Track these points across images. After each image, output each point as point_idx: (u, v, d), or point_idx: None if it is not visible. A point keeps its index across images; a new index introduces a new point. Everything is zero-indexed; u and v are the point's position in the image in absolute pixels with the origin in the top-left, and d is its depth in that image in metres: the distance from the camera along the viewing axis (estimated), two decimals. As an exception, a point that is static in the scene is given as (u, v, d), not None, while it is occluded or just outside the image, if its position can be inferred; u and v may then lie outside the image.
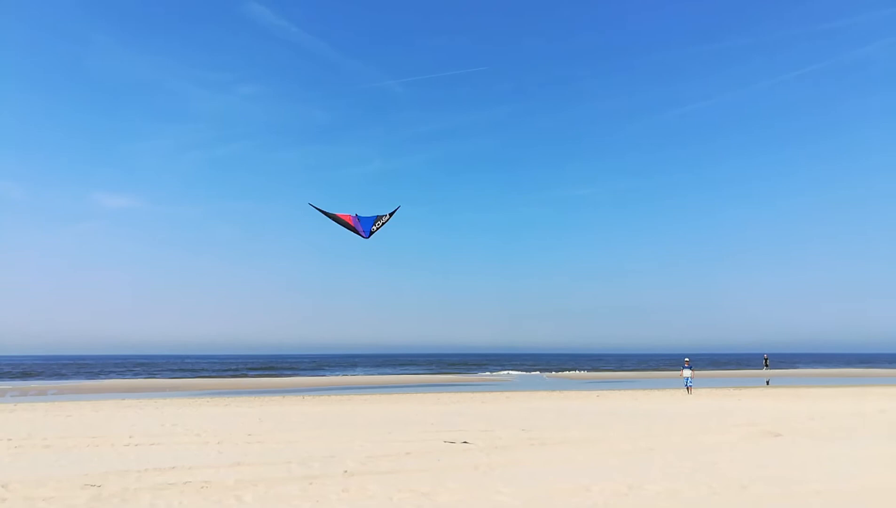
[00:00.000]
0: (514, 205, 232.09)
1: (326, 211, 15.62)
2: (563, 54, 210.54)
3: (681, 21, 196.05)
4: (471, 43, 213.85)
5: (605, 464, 11.65)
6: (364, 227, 15.88)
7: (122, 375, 66.08)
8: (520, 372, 74.07)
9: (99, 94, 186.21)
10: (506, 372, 74.07)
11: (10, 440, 15.12)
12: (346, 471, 10.98)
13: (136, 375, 66.37)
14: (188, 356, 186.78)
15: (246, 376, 64.07)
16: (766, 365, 60.07)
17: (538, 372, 74.24)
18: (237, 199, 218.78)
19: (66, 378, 60.14)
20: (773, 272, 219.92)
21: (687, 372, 34.42)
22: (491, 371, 77.41)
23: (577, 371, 75.23)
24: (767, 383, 42.92)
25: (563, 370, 77.55)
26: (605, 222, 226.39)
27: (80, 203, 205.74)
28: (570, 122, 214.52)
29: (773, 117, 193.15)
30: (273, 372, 71.35)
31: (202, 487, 9.73)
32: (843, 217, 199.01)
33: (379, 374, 68.64)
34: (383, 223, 15.68)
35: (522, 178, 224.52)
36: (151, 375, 66.23)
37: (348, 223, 15.83)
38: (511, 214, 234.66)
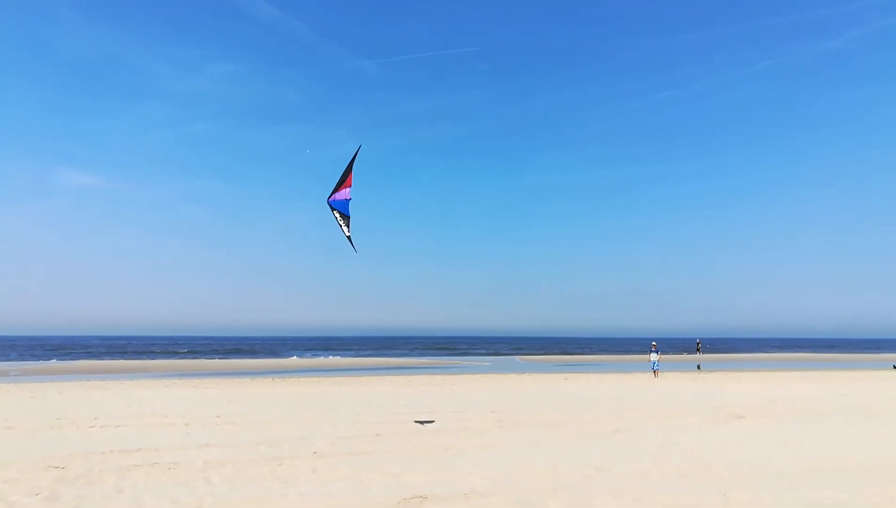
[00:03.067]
0: (489, 191, 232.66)
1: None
2: (539, 42, 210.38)
3: (657, 12, 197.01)
4: (447, 26, 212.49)
5: (573, 446, 11.81)
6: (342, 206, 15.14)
7: (87, 356, 64.93)
8: (494, 356, 74.64)
9: (64, 69, 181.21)
10: (479, 356, 74.56)
11: (-29, 421, 14.77)
12: (315, 452, 10.96)
13: (102, 356, 65.31)
14: (156, 338, 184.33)
15: (215, 358, 63.48)
16: (699, 350, 61.69)
17: (513, 356, 74.90)
18: (206, 179, 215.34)
19: (30, 359, 58.92)
20: (751, 262, 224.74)
21: (654, 356, 35.00)
22: (466, 355, 77.86)
23: (550, 355, 76.01)
24: (699, 367, 43.77)
25: (536, 354, 78.33)
26: (584, 212, 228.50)
27: (42, 180, 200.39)
28: (544, 109, 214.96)
29: (745, 110, 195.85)
30: (243, 354, 70.80)
31: (169, 468, 9.63)
32: (827, 212, 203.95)
33: (351, 356, 68.55)
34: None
35: (497, 164, 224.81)
36: (118, 356, 65.22)
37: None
38: (490, 200, 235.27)
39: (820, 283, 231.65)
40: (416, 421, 14.75)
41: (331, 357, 65.50)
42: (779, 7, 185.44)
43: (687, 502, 7.77)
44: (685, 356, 64.00)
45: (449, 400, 20.38)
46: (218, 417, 15.79)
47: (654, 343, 36.15)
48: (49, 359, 59.01)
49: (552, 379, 31.77)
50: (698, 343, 62.70)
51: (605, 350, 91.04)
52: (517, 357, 70.06)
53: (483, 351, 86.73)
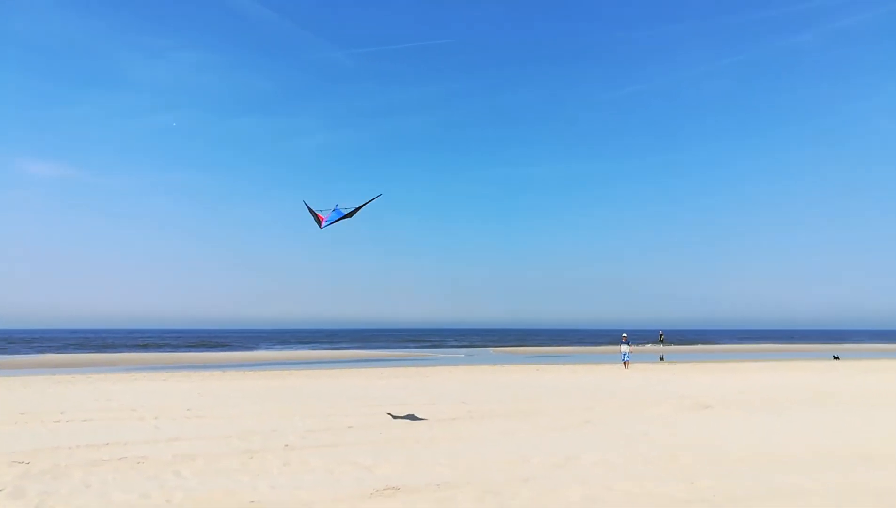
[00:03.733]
0: (458, 182, 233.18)
1: (313, 209, 14.83)
2: (514, 36, 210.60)
3: (624, 6, 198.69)
4: (420, 17, 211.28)
5: (543, 436, 11.95)
6: (329, 218, 15.00)
7: (52, 349, 63.59)
8: (468, 348, 74.92)
9: (27, 54, 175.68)
10: (453, 348, 74.78)
11: (-69, 416, 14.41)
12: (287, 445, 10.93)
13: (67, 349, 64.00)
14: (124, 331, 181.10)
15: (185, 351, 62.66)
16: (662, 341, 62.66)
17: (486, 347, 75.26)
18: (177, 169, 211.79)
19: (-7, 353, 57.47)
20: (722, 255, 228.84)
21: (625, 348, 35.47)
22: (439, 347, 77.98)
23: (523, 347, 76.55)
24: (661, 358, 44.39)
25: (509, 346, 78.83)
26: (559, 204, 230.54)
27: (3, 170, 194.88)
28: (518, 103, 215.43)
29: (706, 105, 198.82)
30: (213, 348, 69.99)
31: (138, 462, 9.52)
32: (793, 205, 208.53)
33: (323, 349, 68.25)
34: (352, 212, 14.76)
35: (466, 156, 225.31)
36: (85, 350, 63.98)
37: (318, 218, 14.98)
38: (464, 192, 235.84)
39: (789, 274, 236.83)
40: (390, 414, 14.76)
41: (302, 350, 65.11)
42: (743, 3, 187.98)
43: (655, 489, 7.93)
44: (654, 348, 64.98)
45: (421, 392, 20.44)
46: (188, 410, 15.63)
47: (624, 335, 36.63)
48: (12, 353, 57.65)
49: (524, 371, 32.02)
50: (661, 335, 63.72)
51: (577, 342, 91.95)
52: (490, 349, 70.45)
53: (456, 343, 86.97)
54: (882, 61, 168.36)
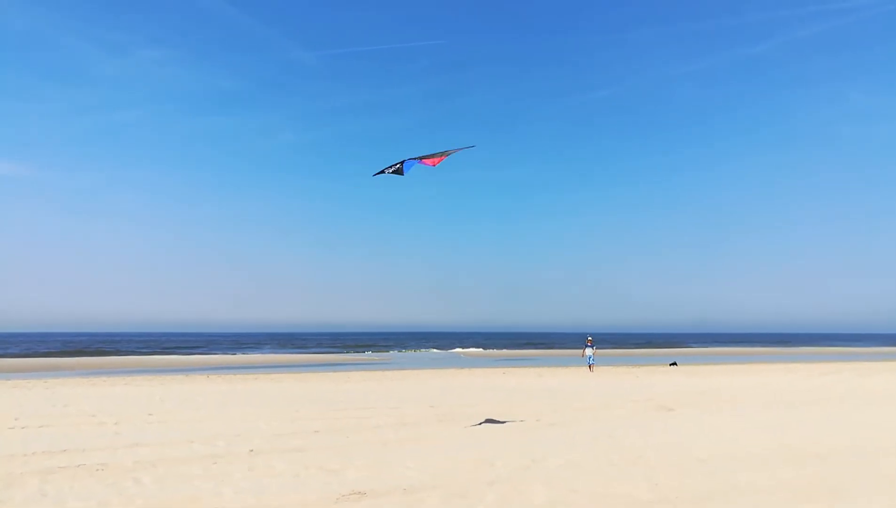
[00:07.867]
0: (426, 185, 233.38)
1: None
2: (483, 39, 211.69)
3: (589, 12, 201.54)
4: (388, 19, 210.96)
5: (509, 439, 12.02)
6: (406, 166, 14.57)
7: (7, 354, 61.64)
8: (434, 350, 74.92)
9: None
10: (420, 350, 74.69)
11: None
12: (251, 450, 10.79)
13: (23, 353, 62.08)
14: (85, 334, 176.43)
15: (147, 354, 61.34)
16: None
17: (453, 350, 75.35)
18: (139, 168, 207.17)
19: (-57, 357, 55.47)
20: (689, 260, 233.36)
21: (589, 351, 35.88)
22: (406, 349, 77.80)
23: (490, 349, 76.85)
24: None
25: (476, 349, 79.07)
26: (519, 207, 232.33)
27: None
28: (485, 104, 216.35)
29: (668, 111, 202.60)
30: (177, 351, 68.68)
31: (97, 470, 9.29)
32: (748, 212, 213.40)
33: (290, 353, 67.51)
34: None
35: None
36: (42, 353, 62.14)
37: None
38: (424, 194, 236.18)
39: (754, 279, 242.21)
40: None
41: (268, 354, 64.33)
42: (703, 12, 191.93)
43: (619, 490, 8.04)
44: (614, 352, 65.77)
45: (388, 395, 20.38)
46: (149, 415, 15.32)
47: (589, 338, 37.04)
48: (-36, 357, 55.73)
49: (491, 374, 32.17)
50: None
51: (543, 345, 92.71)
52: (458, 351, 70.58)
53: (423, 346, 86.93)
54: (839, 70, 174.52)
